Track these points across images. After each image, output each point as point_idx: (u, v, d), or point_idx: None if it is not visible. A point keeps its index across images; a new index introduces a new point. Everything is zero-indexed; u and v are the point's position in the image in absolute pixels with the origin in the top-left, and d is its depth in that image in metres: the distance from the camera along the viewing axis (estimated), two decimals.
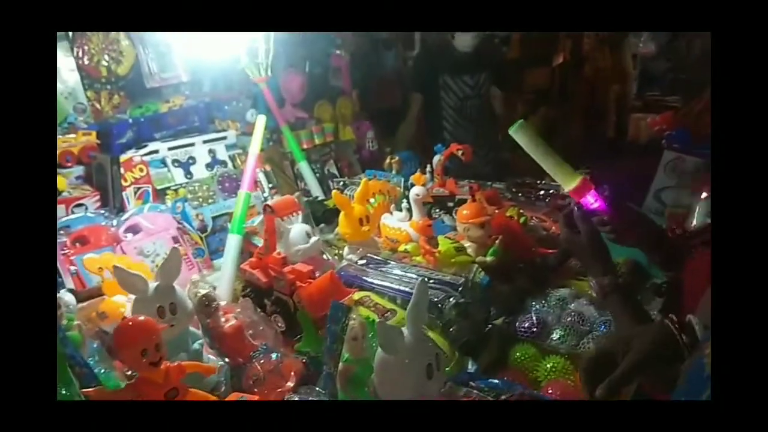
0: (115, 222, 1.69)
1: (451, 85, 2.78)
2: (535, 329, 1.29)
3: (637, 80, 4.29)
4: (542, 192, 2.13)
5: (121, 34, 2.01)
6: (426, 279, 1.35)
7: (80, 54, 1.95)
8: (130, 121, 1.99)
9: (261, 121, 1.77)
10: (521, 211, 1.73)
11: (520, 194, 2.16)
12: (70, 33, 1.91)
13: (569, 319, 1.31)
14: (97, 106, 1.98)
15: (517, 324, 1.31)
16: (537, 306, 1.36)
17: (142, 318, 0.88)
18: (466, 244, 1.55)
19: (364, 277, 1.38)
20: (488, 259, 1.49)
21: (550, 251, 1.54)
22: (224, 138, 2.12)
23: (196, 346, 1.10)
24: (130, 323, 0.87)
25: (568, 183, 1.10)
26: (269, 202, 1.37)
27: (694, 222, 1.58)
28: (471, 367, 1.20)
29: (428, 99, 2.83)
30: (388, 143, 2.73)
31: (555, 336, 1.28)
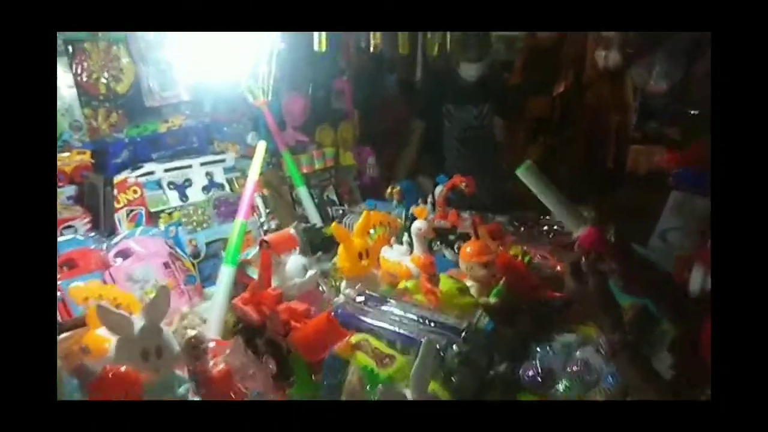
0: (105, 245, 1.63)
1: (454, 114, 2.75)
2: (540, 378, 1.24)
3: (637, 111, 4.30)
4: (545, 227, 2.08)
5: (122, 51, 1.97)
6: (427, 321, 1.29)
7: (79, 70, 1.90)
8: (127, 140, 1.94)
9: (261, 147, 1.73)
10: (525, 248, 1.68)
11: (522, 228, 2.12)
12: (70, 48, 1.87)
13: (575, 368, 1.26)
14: (94, 123, 1.92)
15: (521, 371, 1.26)
16: (541, 352, 1.31)
17: (123, 369, 0.82)
18: (469, 283, 1.50)
19: (362, 317, 1.32)
20: (492, 300, 1.44)
21: (557, 294, 1.49)
22: (223, 161, 2.07)
23: (181, 390, 1.04)
24: (111, 375, 0.81)
25: (576, 228, 1.06)
26: (266, 237, 1.32)
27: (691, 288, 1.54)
28: None
29: (430, 127, 2.80)
30: (389, 170, 2.69)
31: (560, 387, 1.24)
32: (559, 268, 1.70)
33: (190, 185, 1.97)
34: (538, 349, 1.31)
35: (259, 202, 2.05)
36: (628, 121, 4.22)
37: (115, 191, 1.80)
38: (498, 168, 2.83)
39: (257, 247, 1.46)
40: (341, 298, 1.50)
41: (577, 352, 1.29)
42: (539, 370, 1.25)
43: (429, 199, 1.97)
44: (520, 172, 1.04)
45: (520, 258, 1.61)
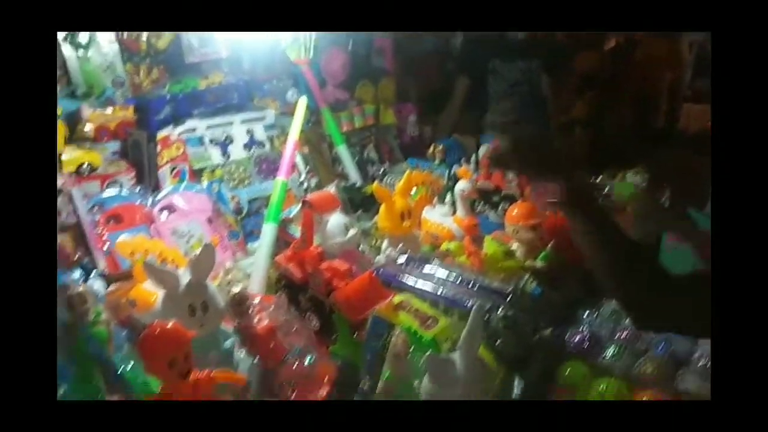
0: (150, 201, 1.66)
1: (501, 71, 2.64)
2: (586, 344, 1.21)
3: (692, 68, 4.07)
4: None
5: None
6: (471, 284, 1.26)
7: None
8: (168, 96, 1.94)
9: (302, 104, 1.69)
10: None
11: None
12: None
13: (624, 335, 1.22)
14: (136, 80, 1.92)
15: (567, 337, 1.23)
16: (589, 318, 1.27)
17: (170, 325, 0.83)
18: (514, 246, 1.46)
19: (404, 278, 1.30)
20: (539, 264, 1.39)
21: None
22: (263, 118, 2.05)
23: (227, 345, 1.05)
24: (158, 331, 0.82)
25: None
26: (308, 197, 1.30)
27: None
28: (517, 385, 1.12)
29: (475, 83, 2.70)
30: (431, 128, 2.62)
31: (608, 353, 1.20)
32: None
33: (231, 142, 1.96)
34: (586, 314, 1.27)
35: (299, 160, 2.03)
36: (682, 78, 3.99)
37: (158, 147, 1.81)
38: (545, 127, 2.73)
39: (298, 206, 1.45)
40: (382, 258, 1.48)
41: (627, 320, 1.24)
42: (587, 336, 1.21)
43: (473, 159, 1.91)
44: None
45: None
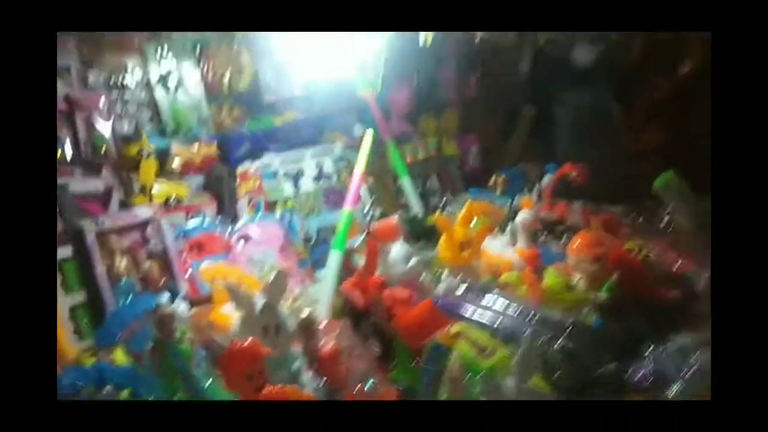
0: (228, 230, 1.79)
1: (567, 99, 2.63)
2: (650, 380, 1.18)
3: None
4: (665, 220, 1.93)
5: (243, 51, 2.13)
6: (530, 315, 1.28)
7: (205, 69, 2.09)
8: (248, 133, 2.11)
9: (368, 138, 1.79)
10: (641, 242, 1.58)
11: (640, 219, 1.97)
12: (197, 48, 2.06)
13: (690, 373, 1.18)
14: (218, 118, 2.11)
15: (629, 372, 1.21)
16: (654, 353, 1.24)
17: (248, 343, 0.91)
18: (577, 276, 1.45)
19: (463, 308, 1.33)
20: (602, 295, 1.38)
21: (673, 293, 1.40)
22: (331, 151, 2.17)
23: (295, 365, 1.12)
24: (238, 347, 0.91)
25: None
26: (371, 227, 1.37)
27: None
28: None
29: (541, 112, 2.69)
30: (494, 158, 2.64)
31: (673, 391, 1.16)
32: (680, 264, 1.58)
33: (302, 175, 2.09)
34: (651, 350, 1.24)
35: (363, 190, 2.12)
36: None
37: (238, 180, 1.96)
38: (614, 154, 2.67)
39: (363, 235, 1.52)
40: (442, 288, 1.52)
41: (694, 356, 1.20)
42: (651, 371, 1.18)
43: (536, 188, 1.91)
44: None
45: (635, 252, 1.52)
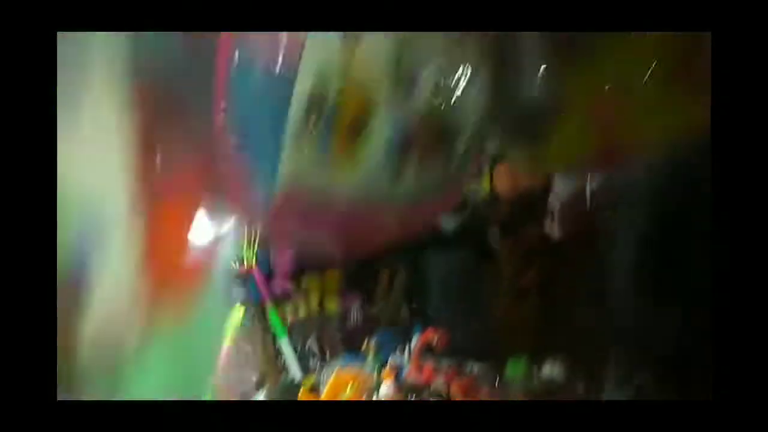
0: None
1: (435, 261, 2.61)
2: None
3: None
4: None
5: None
6: None
7: None
8: None
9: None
10: None
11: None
12: None
13: None
14: None
15: None
16: None
17: None
18: None
19: None
20: None
21: None
22: None
23: None
24: None
25: None
26: None
27: None
28: None
29: (410, 274, 2.68)
30: (371, 319, 2.64)
31: None
32: None
33: None
34: None
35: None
36: None
37: None
38: (480, 311, 2.61)
39: None
40: None
41: None
42: None
43: (406, 350, 1.88)
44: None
45: None
